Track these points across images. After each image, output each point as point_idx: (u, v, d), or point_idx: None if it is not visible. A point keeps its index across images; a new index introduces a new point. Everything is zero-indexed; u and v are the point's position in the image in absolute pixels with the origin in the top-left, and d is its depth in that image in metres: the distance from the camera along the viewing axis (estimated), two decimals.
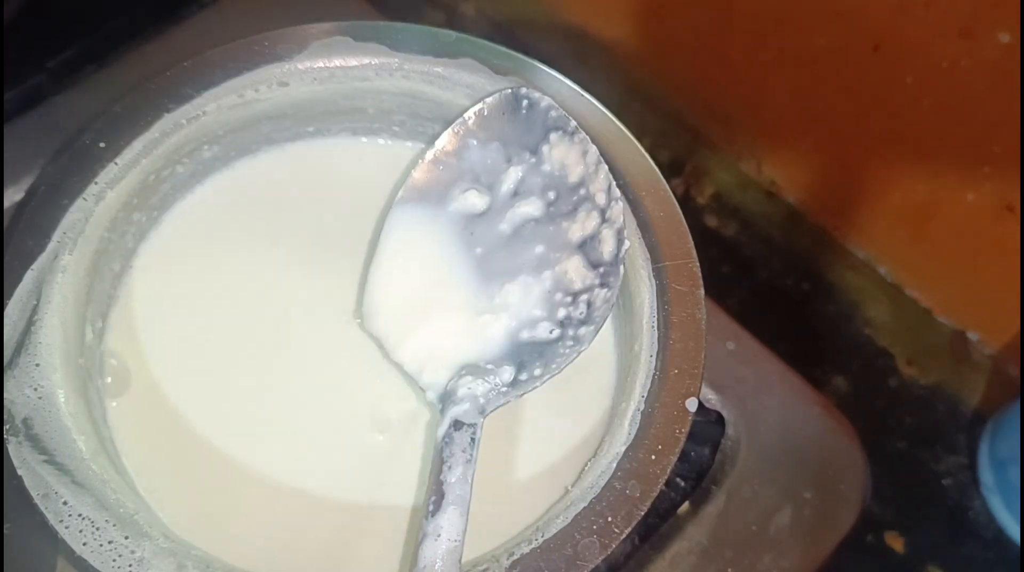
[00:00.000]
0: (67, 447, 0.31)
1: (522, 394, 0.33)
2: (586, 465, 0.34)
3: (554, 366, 0.33)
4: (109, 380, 0.36)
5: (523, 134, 0.36)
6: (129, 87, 0.37)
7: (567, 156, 0.35)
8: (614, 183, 0.35)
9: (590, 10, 0.63)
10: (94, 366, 0.36)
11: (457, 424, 0.31)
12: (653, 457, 0.31)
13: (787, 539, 0.39)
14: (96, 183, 0.35)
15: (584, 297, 0.34)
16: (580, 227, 0.35)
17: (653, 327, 0.34)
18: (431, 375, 0.34)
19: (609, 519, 0.30)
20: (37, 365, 0.32)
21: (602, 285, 0.34)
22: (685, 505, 0.39)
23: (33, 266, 0.33)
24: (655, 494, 0.31)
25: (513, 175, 0.36)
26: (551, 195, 0.36)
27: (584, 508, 0.30)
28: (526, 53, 0.39)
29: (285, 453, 0.35)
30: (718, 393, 0.42)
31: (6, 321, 0.32)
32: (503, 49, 0.39)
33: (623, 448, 0.32)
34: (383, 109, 0.41)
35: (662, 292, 0.34)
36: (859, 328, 0.57)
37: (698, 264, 0.35)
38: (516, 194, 0.36)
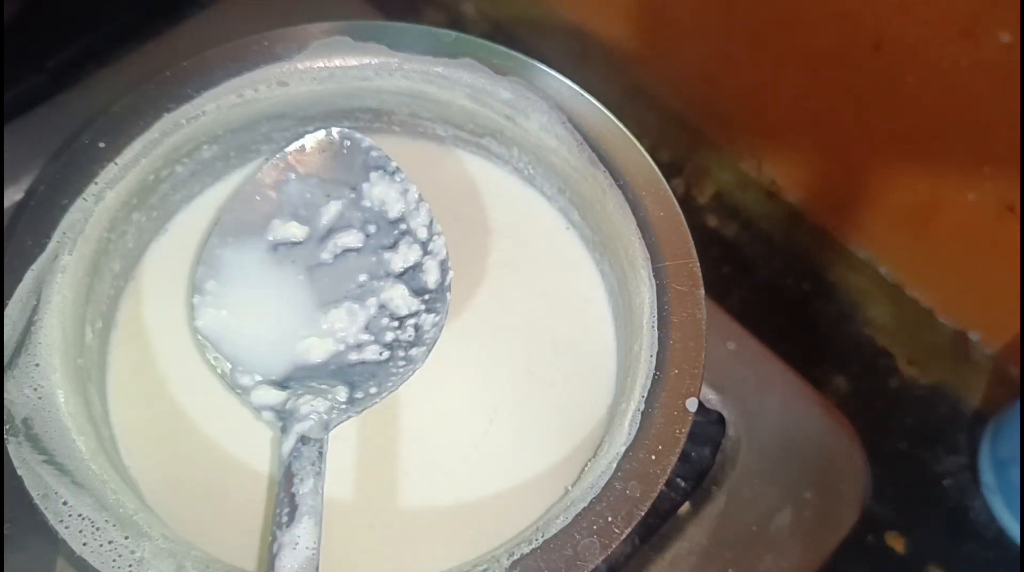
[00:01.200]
0: (67, 447, 0.31)
1: (362, 410, 0.34)
2: (586, 465, 0.34)
3: (389, 384, 0.34)
4: (108, 380, 0.36)
5: (343, 172, 0.38)
6: (129, 87, 0.37)
7: (387, 194, 0.38)
8: (435, 220, 0.37)
9: (590, 10, 0.63)
10: (93, 366, 0.36)
11: (304, 439, 0.32)
12: (653, 457, 0.31)
13: (787, 539, 0.39)
14: (96, 183, 0.35)
15: (411, 321, 0.36)
16: (402, 258, 0.37)
17: (653, 327, 0.34)
18: (261, 396, 0.34)
19: (609, 519, 0.30)
20: (37, 365, 0.32)
21: (428, 310, 0.36)
22: (685, 505, 0.39)
23: (33, 266, 0.33)
24: (655, 494, 0.31)
25: (332, 209, 0.38)
26: (371, 229, 0.38)
27: (584, 508, 0.30)
28: (526, 53, 0.39)
29: None
30: (718, 393, 0.42)
31: (6, 321, 0.32)
32: (503, 49, 0.39)
33: (623, 448, 0.31)
34: (383, 109, 0.41)
35: (662, 292, 0.34)
36: (859, 328, 0.57)
37: (698, 264, 0.35)
38: (334, 228, 0.38)
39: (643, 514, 0.30)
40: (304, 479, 0.31)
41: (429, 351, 0.35)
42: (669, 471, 0.31)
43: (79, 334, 0.34)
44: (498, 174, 0.42)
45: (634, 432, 0.32)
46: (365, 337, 0.36)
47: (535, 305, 0.39)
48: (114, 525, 0.29)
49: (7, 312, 0.32)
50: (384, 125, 0.42)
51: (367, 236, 0.38)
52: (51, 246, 0.34)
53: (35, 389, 0.31)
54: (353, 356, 0.36)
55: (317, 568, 0.29)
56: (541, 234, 0.41)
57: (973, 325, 0.56)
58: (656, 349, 0.33)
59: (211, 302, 0.36)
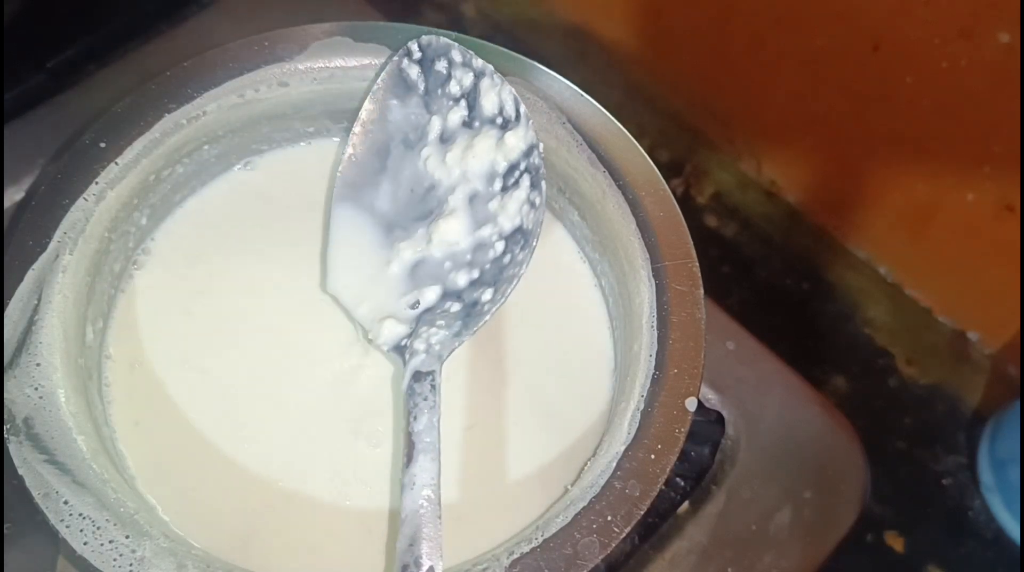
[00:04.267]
0: (68, 447, 0.31)
1: (475, 331, 0.34)
2: (586, 464, 0.34)
3: (500, 292, 0.35)
4: (109, 380, 0.36)
5: (436, 83, 0.38)
6: (130, 87, 0.37)
7: (487, 96, 0.37)
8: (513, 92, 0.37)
9: (590, 10, 0.63)
10: (94, 366, 0.36)
11: (417, 375, 0.33)
12: (653, 457, 0.31)
13: (787, 539, 0.39)
14: (97, 183, 0.35)
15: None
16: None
17: (653, 327, 0.34)
18: (388, 332, 0.35)
19: (609, 518, 0.30)
20: (38, 365, 0.32)
21: (529, 186, 0.36)
22: (685, 505, 0.39)
23: (34, 266, 0.33)
24: (655, 493, 0.31)
25: (436, 124, 0.38)
26: (476, 124, 0.37)
27: (584, 507, 0.30)
28: (526, 53, 0.39)
29: (284, 453, 0.35)
30: (718, 393, 0.42)
31: (7, 321, 0.32)
32: (503, 49, 0.39)
33: (623, 447, 0.32)
34: None
35: (662, 292, 0.34)
36: (859, 328, 0.57)
37: (698, 264, 0.35)
38: (444, 139, 0.38)
39: (642, 513, 0.30)
40: (418, 416, 0.31)
41: (532, 252, 0.35)
42: (668, 470, 0.31)
43: (80, 334, 0.34)
44: None
45: (634, 431, 0.32)
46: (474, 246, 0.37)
47: (535, 306, 0.39)
48: (115, 524, 0.29)
49: (8, 312, 0.32)
50: None
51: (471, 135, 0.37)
52: (52, 246, 0.34)
53: (36, 388, 0.31)
54: (484, 231, 0.36)
55: (439, 502, 0.30)
56: (541, 235, 0.41)
57: (972, 325, 0.56)
58: (656, 349, 0.33)
59: (343, 253, 0.37)
